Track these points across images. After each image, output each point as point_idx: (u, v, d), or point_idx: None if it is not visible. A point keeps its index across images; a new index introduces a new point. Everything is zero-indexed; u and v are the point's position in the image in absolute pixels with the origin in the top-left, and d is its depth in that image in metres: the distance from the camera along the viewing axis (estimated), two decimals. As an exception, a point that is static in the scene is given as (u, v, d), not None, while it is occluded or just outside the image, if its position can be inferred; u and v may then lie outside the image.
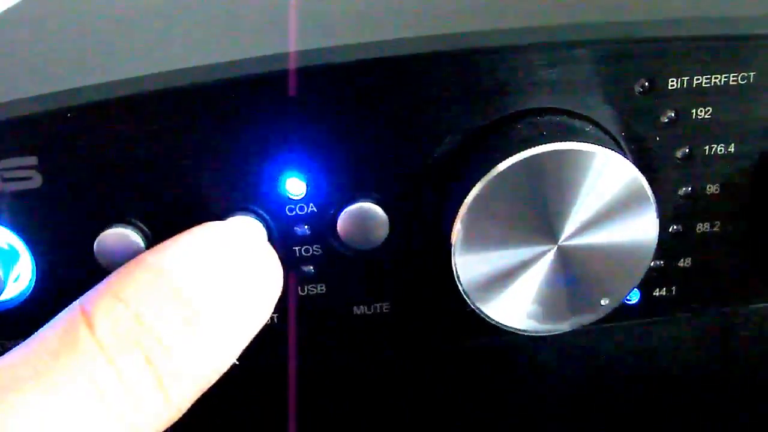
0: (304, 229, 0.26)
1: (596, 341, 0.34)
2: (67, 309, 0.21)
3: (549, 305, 0.25)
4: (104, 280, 0.21)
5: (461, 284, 0.24)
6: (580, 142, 0.24)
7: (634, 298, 0.28)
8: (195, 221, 0.25)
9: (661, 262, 0.28)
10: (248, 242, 0.23)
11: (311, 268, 0.26)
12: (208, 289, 0.21)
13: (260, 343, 0.27)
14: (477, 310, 0.25)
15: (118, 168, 0.24)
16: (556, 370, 0.36)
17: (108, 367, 0.19)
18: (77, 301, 0.21)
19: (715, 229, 0.27)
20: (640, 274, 0.25)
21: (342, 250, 0.26)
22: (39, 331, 0.20)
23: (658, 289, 0.28)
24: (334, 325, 0.27)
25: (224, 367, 0.21)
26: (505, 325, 0.25)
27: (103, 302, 0.20)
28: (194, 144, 0.24)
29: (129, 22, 0.32)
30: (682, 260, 0.28)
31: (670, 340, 0.35)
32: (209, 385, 0.21)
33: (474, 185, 0.24)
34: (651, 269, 0.28)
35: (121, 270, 0.21)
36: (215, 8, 0.31)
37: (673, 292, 0.28)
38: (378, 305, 0.27)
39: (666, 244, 0.27)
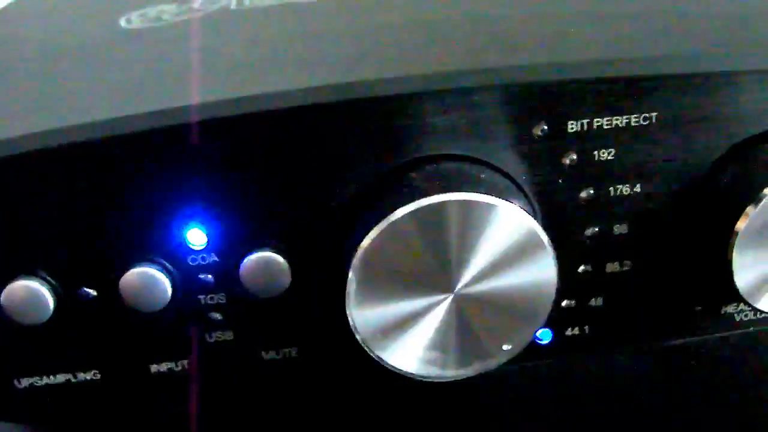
0: (207, 278, 0.26)
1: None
2: None
3: (449, 352, 0.25)
4: None
5: (358, 333, 0.25)
6: (475, 191, 0.23)
7: (547, 338, 0.28)
8: (99, 272, 0.26)
9: (573, 301, 0.27)
10: None
11: (218, 315, 0.26)
12: None
13: (173, 390, 0.28)
14: (377, 358, 0.25)
15: (24, 221, 0.25)
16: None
17: None
18: None
19: (625, 268, 0.27)
20: (540, 320, 0.25)
21: (247, 297, 0.26)
22: None
23: (570, 329, 0.28)
24: (243, 370, 0.27)
25: None
26: (408, 373, 0.25)
27: None
28: (96, 197, 0.24)
29: (33, 75, 0.32)
30: (593, 299, 0.28)
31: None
32: None
33: (366, 235, 0.24)
34: (562, 309, 0.28)
35: None
36: (117, 61, 0.31)
37: (586, 331, 0.28)
38: (286, 350, 0.27)
39: (576, 284, 0.27)
